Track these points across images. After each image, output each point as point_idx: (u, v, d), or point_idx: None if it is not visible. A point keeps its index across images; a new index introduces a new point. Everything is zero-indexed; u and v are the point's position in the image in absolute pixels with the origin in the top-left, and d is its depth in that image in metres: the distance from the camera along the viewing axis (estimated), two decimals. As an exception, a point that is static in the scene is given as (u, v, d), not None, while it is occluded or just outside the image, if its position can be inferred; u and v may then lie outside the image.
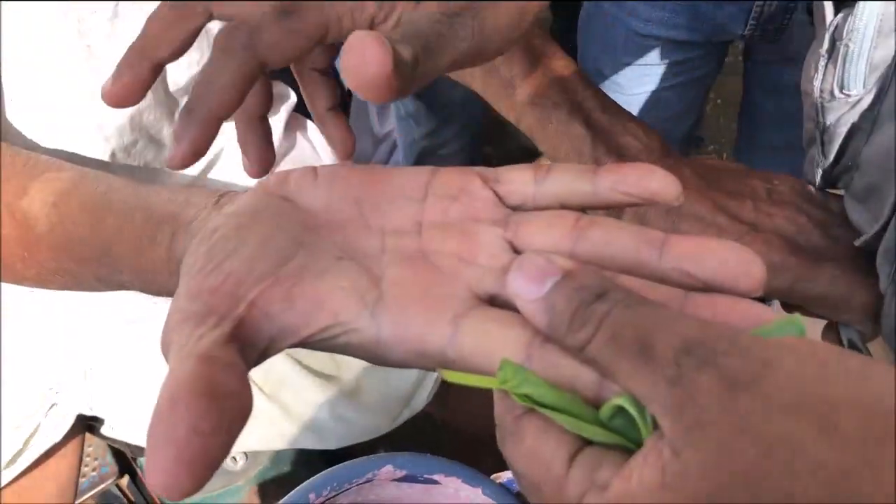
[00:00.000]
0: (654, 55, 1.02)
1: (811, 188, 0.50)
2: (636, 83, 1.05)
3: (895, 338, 0.42)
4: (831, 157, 0.46)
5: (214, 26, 0.64)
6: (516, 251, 0.29)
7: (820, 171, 0.48)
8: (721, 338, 0.21)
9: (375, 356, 0.27)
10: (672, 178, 0.28)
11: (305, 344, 0.27)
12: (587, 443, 0.24)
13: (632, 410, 0.22)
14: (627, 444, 0.23)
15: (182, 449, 0.22)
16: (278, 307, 0.27)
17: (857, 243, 0.45)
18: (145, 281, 0.37)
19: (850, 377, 0.20)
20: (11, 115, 0.56)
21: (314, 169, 0.31)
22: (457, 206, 0.30)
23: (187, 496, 0.22)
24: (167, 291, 0.35)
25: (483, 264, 0.29)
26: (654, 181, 0.28)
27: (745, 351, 0.21)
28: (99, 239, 0.38)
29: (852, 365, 0.20)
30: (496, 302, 0.28)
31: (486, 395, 0.86)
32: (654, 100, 1.07)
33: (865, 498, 0.18)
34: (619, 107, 0.55)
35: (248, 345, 0.26)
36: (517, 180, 0.31)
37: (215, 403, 0.23)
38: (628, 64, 1.03)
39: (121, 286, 0.39)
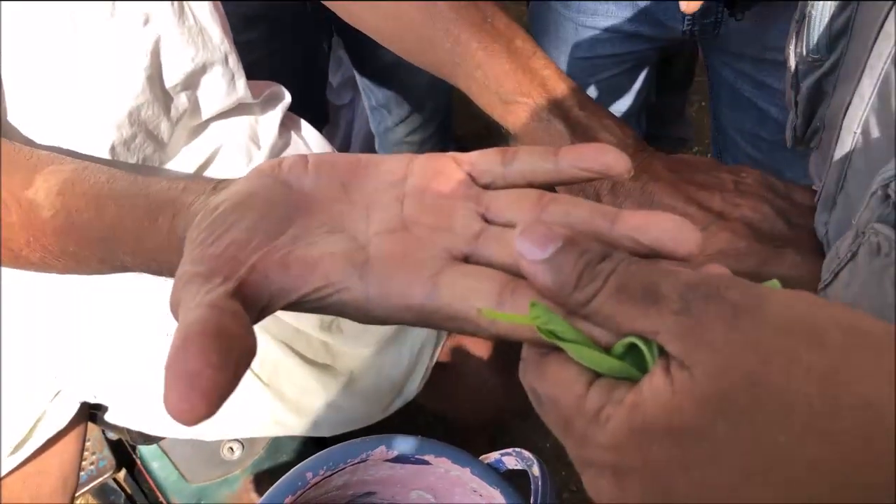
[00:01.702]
0: (604, 47, 1.06)
1: (775, 180, 0.54)
2: (587, 73, 1.09)
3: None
4: (802, 118, 0.50)
5: (208, 24, 0.67)
6: (488, 223, 0.33)
7: (791, 132, 0.52)
8: (722, 277, 0.26)
9: (365, 313, 0.30)
10: (624, 155, 0.32)
11: (301, 304, 0.30)
12: (600, 377, 0.27)
13: (640, 344, 0.26)
14: (636, 376, 0.26)
15: (195, 379, 0.25)
16: (276, 270, 0.30)
17: (816, 199, 0.49)
18: (147, 260, 0.40)
19: (832, 306, 0.24)
20: (12, 111, 0.58)
21: (305, 156, 0.35)
22: (434, 185, 0.34)
23: (201, 421, 0.25)
24: (168, 270, 0.38)
25: (457, 231, 0.32)
26: (608, 158, 0.32)
27: (744, 286, 0.25)
28: (102, 223, 0.41)
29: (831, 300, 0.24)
30: (469, 261, 0.31)
31: (476, 383, 0.88)
32: (604, 86, 1.11)
33: (849, 393, 0.22)
34: (595, 104, 0.58)
35: (249, 303, 0.29)
36: (487, 162, 0.34)
37: (223, 342, 0.26)
38: (580, 57, 1.07)
39: (123, 267, 0.42)
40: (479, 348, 0.95)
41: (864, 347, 0.23)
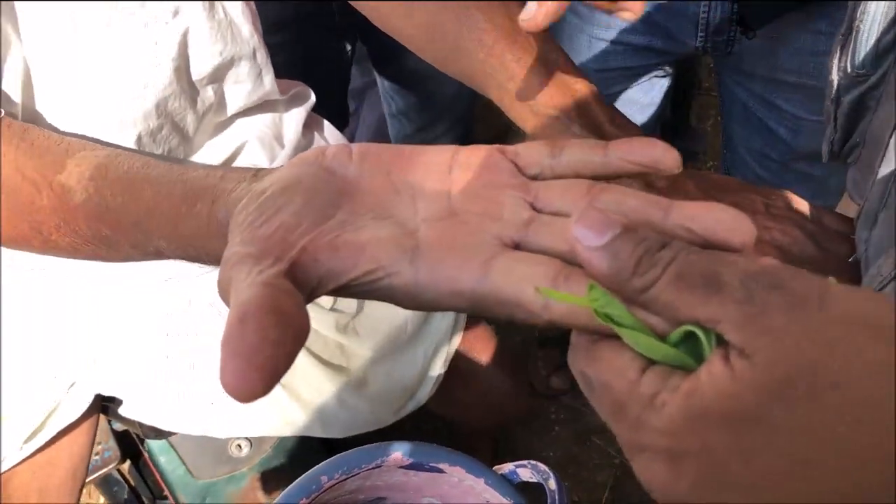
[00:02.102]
0: (617, 59, 1.06)
1: (806, 203, 0.54)
2: (601, 86, 1.09)
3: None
4: (841, 133, 0.50)
5: (238, 19, 0.67)
6: (537, 211, 0.32)
7: (828, 146, 0.51)
8: (785, 269, 0.25)
9: (413, 298, 0.30)
10: (672, 149, 0.32)
11: (349, 287, 0.30)
12: (652, 364, 0.27)
13: (699, 333, 0.26)
14: (691, 365, 0.26)
15: (253, 355, 0.25)
16: (325, 253, 0.30)
17: (856, 216, 0.48)
18: (183, 246, 0.39)
19: (889, 302, 0.24)
20: (39, 99, 0.58)
21: (348, 146, 0.35)
22: (481, 175, 0.33)
23: (257, 398, 0.25)
24: (205, 254, 0.39)
25: (507, 219, 0.32)
26: (656, 151, 0.32)
27: (806, 277, 0.25)
28: (137, 207, 0.41)
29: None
30: (520, 248, 0.31)
31: (482, 389, 0.88)
32: (617, 100, 1.11)
33: None
34: (625, 118, 0.58)
35: (299, 284, 0.29)
36: (535, 153, 0.34)
37: (279, 318, 0.26)
38: (594, 69, 1.08)
39: (157, 253, 0.42)
40: (486, 355, 0.95)
41: None
